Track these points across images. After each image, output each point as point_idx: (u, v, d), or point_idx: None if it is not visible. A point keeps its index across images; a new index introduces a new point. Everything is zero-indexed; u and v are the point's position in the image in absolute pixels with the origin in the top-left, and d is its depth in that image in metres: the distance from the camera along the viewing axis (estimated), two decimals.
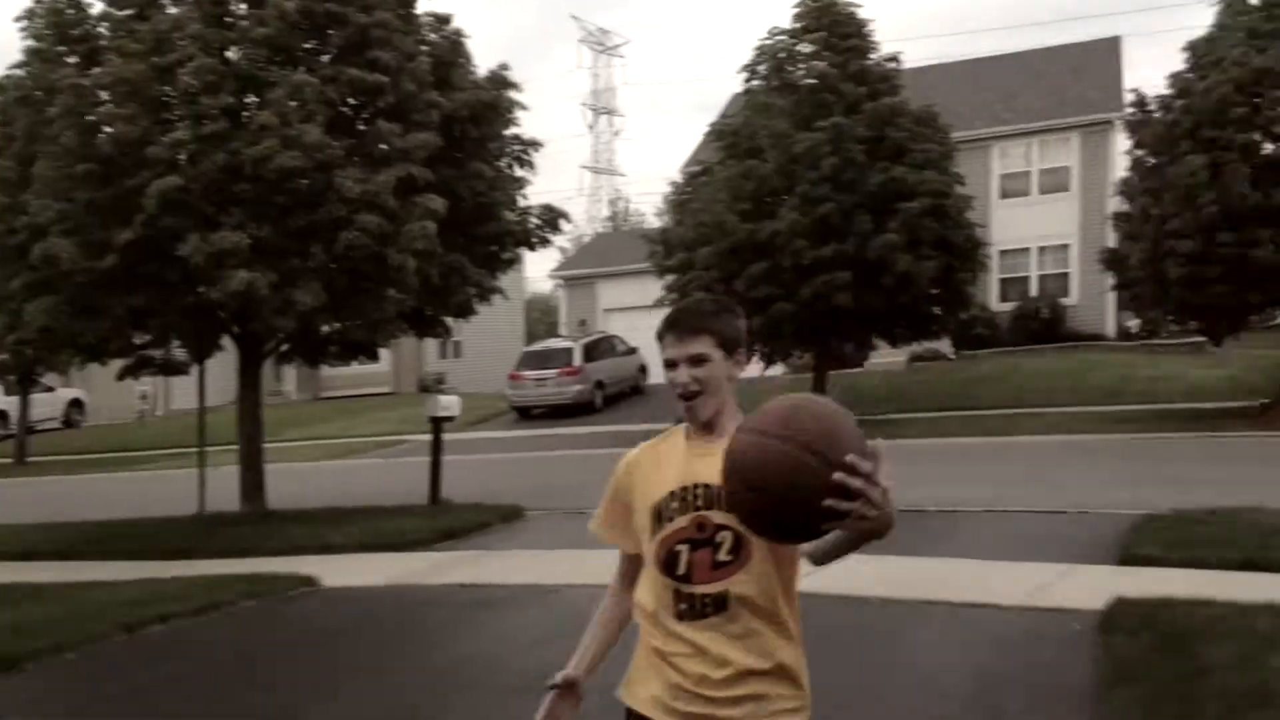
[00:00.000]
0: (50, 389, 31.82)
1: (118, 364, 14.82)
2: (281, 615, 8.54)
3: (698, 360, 2.39)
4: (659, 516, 2.40)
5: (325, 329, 13.22)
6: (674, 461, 2.44)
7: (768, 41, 21.54)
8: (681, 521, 2.37)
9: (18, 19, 12.67)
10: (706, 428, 2.42)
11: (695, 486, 2.37)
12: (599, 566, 8.81)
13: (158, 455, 25.15)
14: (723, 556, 2.32)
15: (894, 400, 22.50)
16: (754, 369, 22.47)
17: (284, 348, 14.30)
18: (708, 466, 2.29)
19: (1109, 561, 8.01)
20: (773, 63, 21.37)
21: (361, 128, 12.78)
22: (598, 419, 25.25)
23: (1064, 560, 8.12)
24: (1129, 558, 8.02)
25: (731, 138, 21.37)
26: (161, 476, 21.45)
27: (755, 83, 21.85)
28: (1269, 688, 4.87)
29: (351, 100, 12.74)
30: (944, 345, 27.78)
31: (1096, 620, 6.34)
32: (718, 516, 2.32)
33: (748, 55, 23.45)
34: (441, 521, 11.85)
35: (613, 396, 27.61)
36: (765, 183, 20.19)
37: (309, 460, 21.76)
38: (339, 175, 11.61)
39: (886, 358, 27.23)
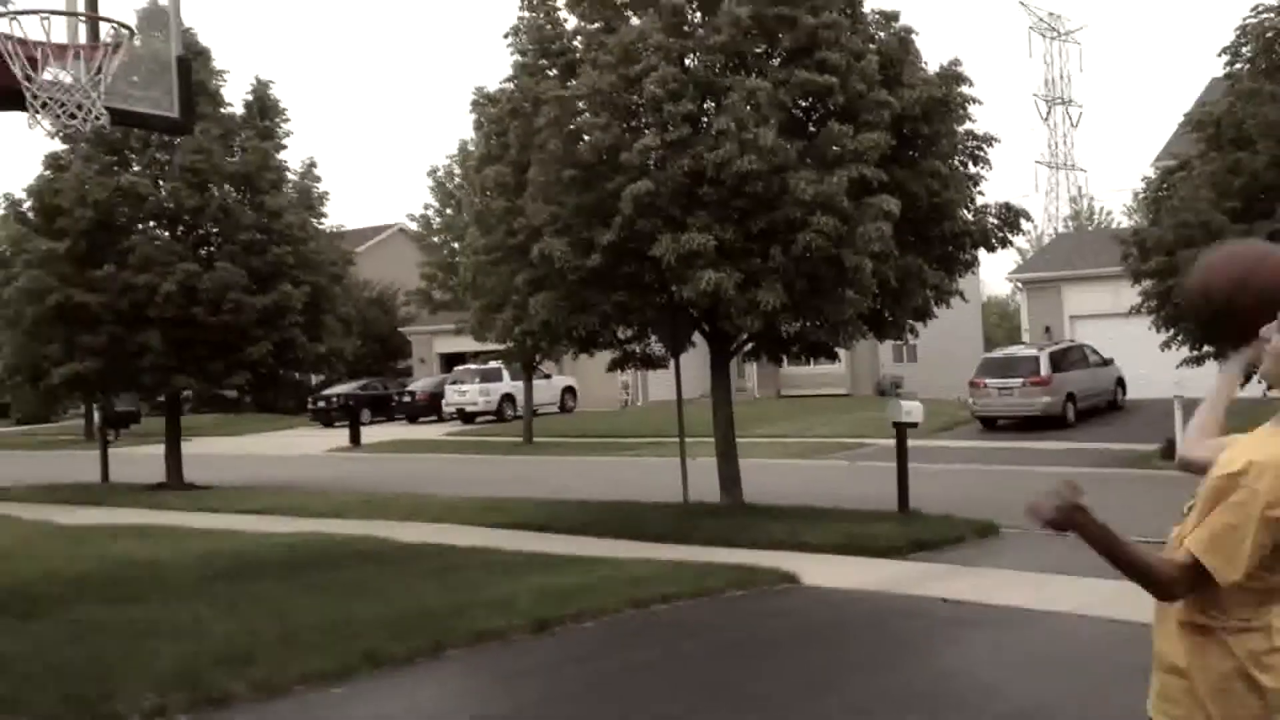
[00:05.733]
0: (548, 376, 35.47)
1: (604, 356, 16.06)
2: (766, 608, 8.82)
3: None
4: None
5: (787, 329, 13.52)
6: None
7: (1253, 19, 19.08)
8: None
9: (505, 35, 13.94)
10: None
11: None
12: (1087, 596, 8.29)
13: (639, 443, 27.00)
14: None
15: None
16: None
17: (749, 346, 14.77)
18: None
19: None
20: (1260, 44, 18.91)
21: (812, 129, 12.88)
22: (1070, 434, 23.79)
23: None
24: None
25: (1213, 128, 19.27)
26: (643, 463, 23.05)
27: (1239, 66, 19.53)
28: None
29: (802, 102, 12.89)
30: None
31: None
32: None
33: (1226, 34, 20.99)
34: (913, 530, 11.72)
35: (1085, 411, 25.93)
36: (1257, 178, 18.00)
37: (774, 457, 22.37)
38: (793, 177, 11.79)
39: None
